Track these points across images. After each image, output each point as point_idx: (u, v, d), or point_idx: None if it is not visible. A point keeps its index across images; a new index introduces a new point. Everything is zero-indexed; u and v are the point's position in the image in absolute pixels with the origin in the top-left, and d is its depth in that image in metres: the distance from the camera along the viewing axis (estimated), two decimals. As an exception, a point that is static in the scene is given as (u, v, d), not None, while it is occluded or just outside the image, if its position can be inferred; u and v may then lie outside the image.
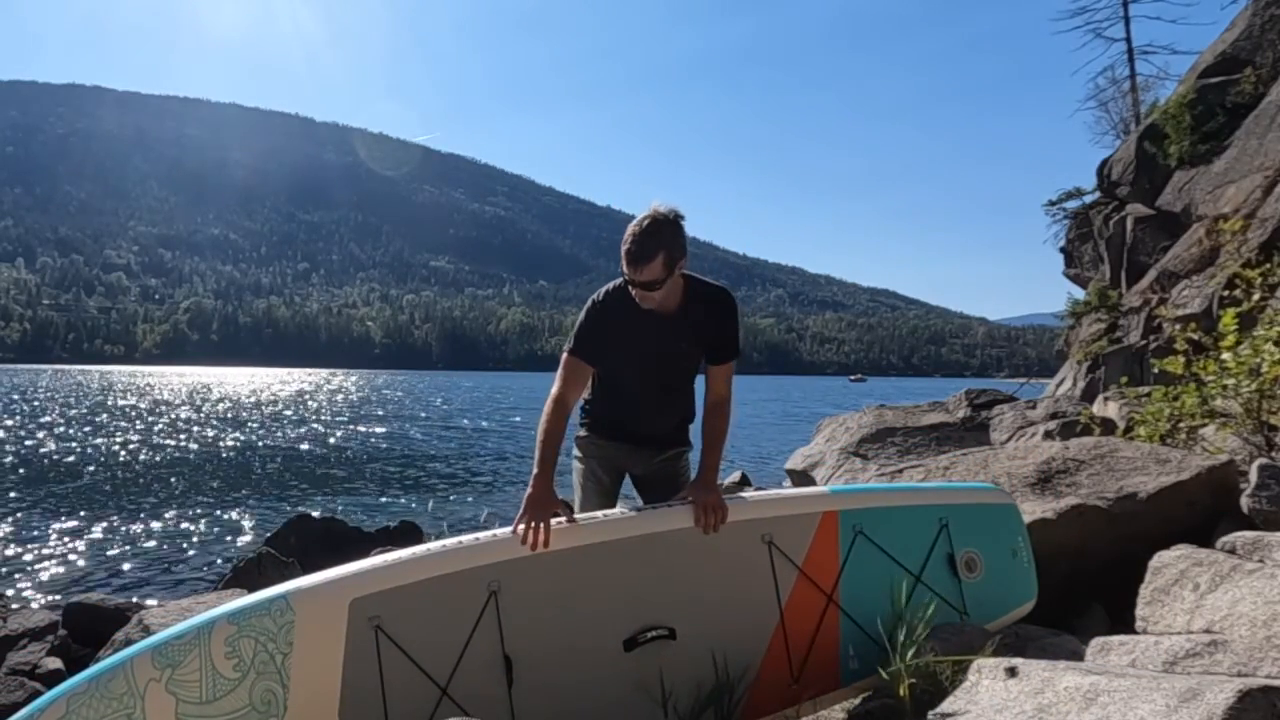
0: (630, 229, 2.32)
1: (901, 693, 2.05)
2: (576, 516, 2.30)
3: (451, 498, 12.01)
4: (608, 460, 2.69)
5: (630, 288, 2.38)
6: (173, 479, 13.35)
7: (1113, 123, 18.13)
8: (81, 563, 7.60)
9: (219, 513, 10.32)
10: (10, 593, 6.34)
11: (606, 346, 2.49)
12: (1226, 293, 6.68)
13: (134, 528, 9.19)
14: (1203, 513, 3.20)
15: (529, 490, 2.23)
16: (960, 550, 2.54)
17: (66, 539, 8.52)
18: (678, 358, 2.56)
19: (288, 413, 32.00)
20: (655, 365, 2.55)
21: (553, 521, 2.20)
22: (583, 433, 2.72)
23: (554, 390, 2.44)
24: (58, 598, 6.27)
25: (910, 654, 2.12)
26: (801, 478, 6.78)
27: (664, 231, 2.29)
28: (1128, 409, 5.62)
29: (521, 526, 2.17)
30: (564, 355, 2.49)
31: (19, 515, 9.70)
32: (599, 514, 2.38)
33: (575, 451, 2.74)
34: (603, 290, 2.54)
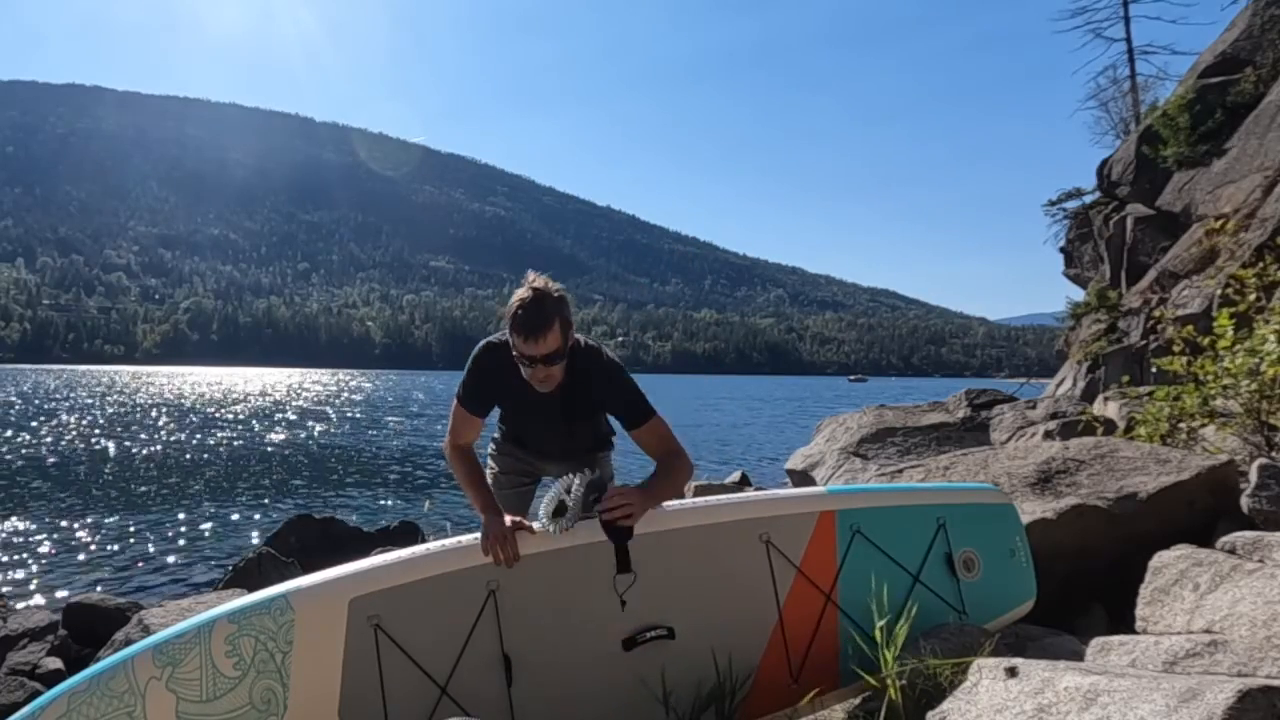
0: (513, 303, 2.13)
1: (893, 695, 2.05)
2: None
3: (451, 498, 12.01)
4: (521, 463, 2.69)
5: (524, 368, 2.19)
6: (173, 479, 13.35)
7: (1113, 123, 18.15)
8: (81, 563, 7.60)
9: (219, 513, 10.32)
10: (10, 593, 6.34)
11: (492, 402, 2.41)
12: (1222, 292, 6.68)
13: (134, 528, 9.19)
14: (1203, 513, 3.20)
15: (484, 525, 2.19)
16: (958, 550, 2.54)
17: (66, 539, 8.52)
18: (570, 428, 2.47)
19: (288, 413, 32.01)
20: (547, 426, 2.48)
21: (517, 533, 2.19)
22: (497, 435, 2.73)
23: (448, 439, 2.42)
24: (58, 598, 6.27)
25: (894, 657, 2.11)
26: (801, 478, 6.78)
27: (550, 300, 2.13)
28: (1128, 409, 5.62)
29: (491, 555, 2.13)
30: (455, 402, 2.39)
31: (19, 515, 9.70)
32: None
33: (491, 448, 2.73)
34: (483, 345, 2.36)
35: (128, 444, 18.49)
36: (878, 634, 2.15)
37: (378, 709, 1.97)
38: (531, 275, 2.19)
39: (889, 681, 2.06)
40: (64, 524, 9.24)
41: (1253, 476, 3.13)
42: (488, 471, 2.69)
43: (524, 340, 2.12)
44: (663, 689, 2.14)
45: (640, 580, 2.24)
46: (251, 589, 3.11)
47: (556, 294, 2.16)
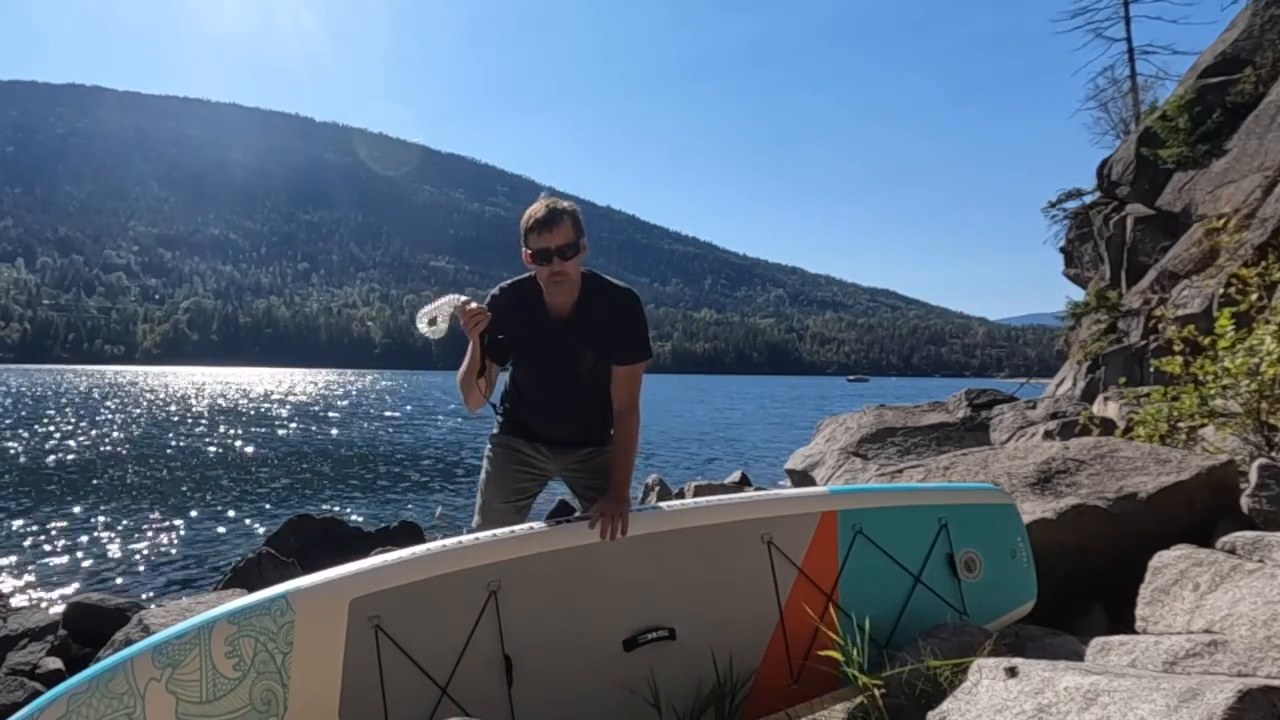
0: (529, 211, 2.31)
1: (874, 700, 2.04)
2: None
3: (451, 498, 12.00)
4: (521, 458, 2.62)
5: (541, 267, 2.30)
6: (173, 479, 13.35)
7: (1113, 123, 18.15)
8: (81, 563, 7.60)
9: (219, 513, 10.32)
10: (10, 593, 6.34)
11: (508, 340, 2.43)
12: (1223, 292, 6.67)
13: (134, 528, 9.19)
14: (1203, 513, 3.20)
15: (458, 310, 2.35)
16: (960, 550, 2.54)
17: (66, 539, 8.52)
18: (581, 368, 2.45)
19: (288, 413, 32.00)
20: (558, 370, 2.47)
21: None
22: (497, 431, 2.67)
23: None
24: (58, 598, 6.27)
25: (863, 665, 2.10)
26: (801, 478, 6.79)
27: (562, 204, 2.31)
28: (1127, 409, 5.62)
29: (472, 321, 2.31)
30: None
31: (19, 515, 9.70)
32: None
33: (487, 449, 2.67)
34: (499, 286, 2.48)
35: (128, 444, 18.49)
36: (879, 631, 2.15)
37: (378, 710, 1.97)
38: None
39: (873, 691, 2.04)
40: (64, 524, 9.24)
41: (1253, 476, 3.13)
42: (481, 473, 2.64)
43: (539, 233, 2.26)
44: (654, 693, 2.13)
45: (641, 580, 2.24)
46: (251, 589, 3.11)
47: (569, 204, 2.34)
